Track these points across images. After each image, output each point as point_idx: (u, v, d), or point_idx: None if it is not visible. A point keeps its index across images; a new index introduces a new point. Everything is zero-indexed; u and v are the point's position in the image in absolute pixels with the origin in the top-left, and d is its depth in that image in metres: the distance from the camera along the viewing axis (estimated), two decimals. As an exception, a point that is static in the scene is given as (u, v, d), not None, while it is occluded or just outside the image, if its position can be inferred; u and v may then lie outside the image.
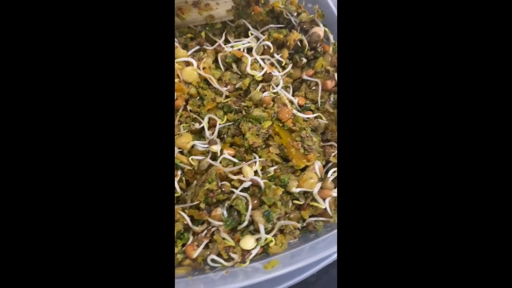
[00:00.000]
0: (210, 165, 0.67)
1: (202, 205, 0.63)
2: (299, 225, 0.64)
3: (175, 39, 0.79)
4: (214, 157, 0.68)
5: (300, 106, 0.75)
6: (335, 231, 0.64)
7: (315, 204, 0.63)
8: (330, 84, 0.74)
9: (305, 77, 0.78)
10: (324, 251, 0.61)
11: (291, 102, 0.75)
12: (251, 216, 0.62)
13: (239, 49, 0.77)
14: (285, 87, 0.77)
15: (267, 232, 0.61)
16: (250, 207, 0.61)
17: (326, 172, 0.69)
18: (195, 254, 0.61)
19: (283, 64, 0.78)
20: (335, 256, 0.64)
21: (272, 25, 0.80)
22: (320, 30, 0.79)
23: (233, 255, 0.60)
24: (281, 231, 0.64)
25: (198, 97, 0.74)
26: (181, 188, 0.67)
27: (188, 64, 0.75)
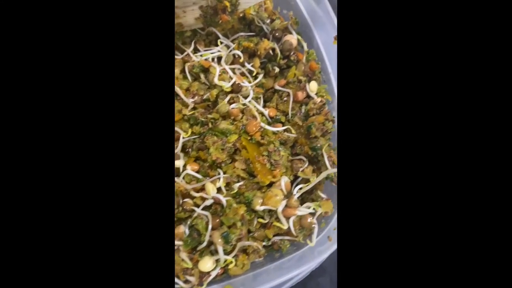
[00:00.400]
0: (173, 181, 0.64)
1: (161, 224, 0.60)
2: (261, 247, 0.61)
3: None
4: (177, 172, 0.66)
5: (271, 117, 0.73)
6: (302, 249, 0.62)
7: (278, 224, 0.61)
8: (301, 95, 0.71)
9: (277, 87, 0.75)
10: (290, 271, 0.59)
11: (261, 114, 0.72)
12: (210, 236, 0.59)
13: (208, 59, 0.74)
14: (256, 98, 0.74)
15: (228, 253, 0.59)
16: (210, 227, 0.59)
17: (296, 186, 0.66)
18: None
19: (254, 74, 0.76)
20: (300, 277, 0.61)
21: (242, 33, 0.77)
22: (293, 38, 0.76)
23: (190, 278, 0.57)
24: (244, 250, 0.61)
25: (165, 109, 0.72)
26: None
27: (154, 74, 0.72)
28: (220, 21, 0.73)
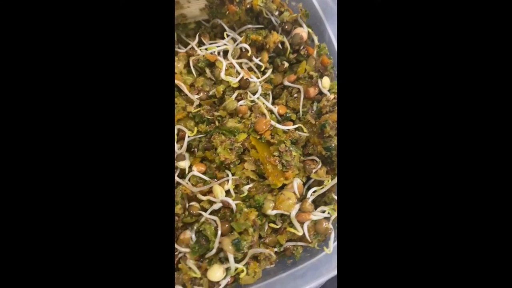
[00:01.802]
0: (178, 184, 0.60)
1: (166, 230, 0.56)
2: (273, 253, 0.57)
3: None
4: (182, 174, 0.62)
5: (280, 115, 0.68)
6: (316, 257, 0.58)
7: (292, 230, 0.57)
8: (313, 91, 0.67)
9: (286, 83, 0.71)
10: (306, 281, 0.55)
11: (270, 112, 0.68)
12: (220, 243, 0.55)
13: (214, 52, 0.69)
14: (264, 95, 0.70)
15: (238, 261, 0.55)
16: (219, 233, 0.55)
17: (308, 189, 0.62)
18: None
19: (262, 69, 0.71)
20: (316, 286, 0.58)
21: (250, 26, 0.72)
22: (303, 31, 0.71)
23: (198, 289, 0.54)
24: (255, 257, 0.57)
25: (168, 106, 0.67)
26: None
27: (156, 69, 0.68)
28: (227, 12, 0.69)
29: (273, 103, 0.70)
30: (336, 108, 0.65)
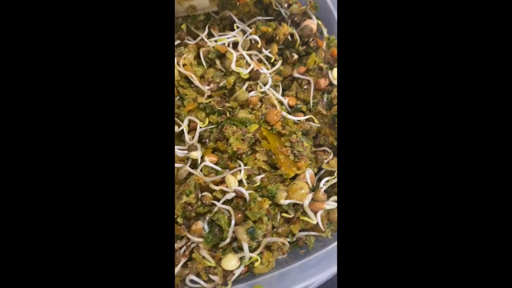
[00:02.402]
0: (190, 174, 0.60)
1: (180, 220, 0.56)
2: (287, 242, 0.57)
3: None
4: (194, 164, 0.62)
5: (290, 107, 0.69)
6: (329, 247, 0.58)
7: (306, 218, 0.57)
8: (324, 82, 0.67)
9: (296, 74, 0.71)
10: (316, 273, 0.55)
11: (281, 103, 0.68)
12: (234, 232, 0.55)
13: (224, 44, 0.69)
14: (274, 86, 0.70)
15: (252, 250, 0.55)
16: (233, 222, 0.55)
17: (319, 181, 0.62)
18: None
19: (272, 61, 0.71)
20: (326, 278, 0.58)
21: (260, 17, 0.72)
22: (312, 23, 0.71)
23: (213, 277, 0.53)
24: (268, 247, 0.57)
25: (178, 97, 0.67)
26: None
27: (166, 60, 0.67)
28: (238, 4, 0.69)
29: (282, 95, 0.70)
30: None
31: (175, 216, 0.56)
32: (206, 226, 0.58)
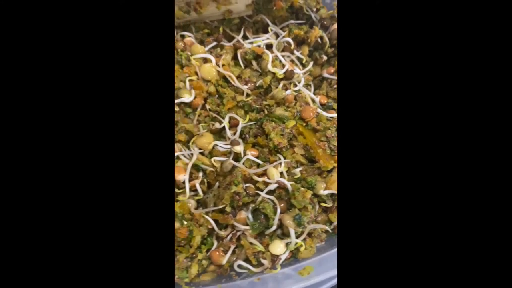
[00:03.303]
0: (234, 167, 0.64)
1: (228, 209, 0.60)
2: (329, 228, 0.62)
3: (192, 34, 0.76)
4: (237, 158, 0.66)
5: (322, 104, 0.73)
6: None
7: (346, 207, 0.61)
8: (354, 82, 0.72)
9: (325, 75, 0.76)
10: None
11: (313, 101, 0.72)
12: (279, 220, 0.59)
13: (259, 46, 0.74)
14: (306, 85, 0.75)
15: (297, 236, 0.59)
16: (278, 210, 0.59)
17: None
18: (224, 260, 0.58)
19: (303, 62, 0.76)
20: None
21: (292, 21, 0.77)
22: (341, 27, 0.76)
23: (263, 261, 0.57)
24: (309, 234, 0.61)
25: (217, 96, 0.71)
26: (202, 191, 0.64)
27: (206, 61, 0.72)
28: (274, 8, 0.73)
29: (314, 93, 0.75)
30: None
31: (223, 206, 0.60)
32: (250, 215, 0.62)
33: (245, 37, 0.77)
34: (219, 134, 0.70)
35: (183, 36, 0.76)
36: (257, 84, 0.72)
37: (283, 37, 0.75)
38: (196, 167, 0.64)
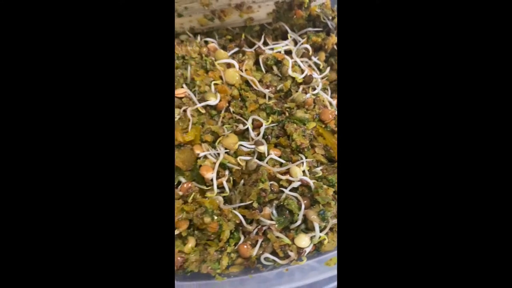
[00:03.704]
0: (258, 166, 0.68)
1: (255, 205, 0.64)
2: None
3: (215, 40, 0.80)
4: (260, 157, 0.70)
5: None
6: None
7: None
8: (369, 86, 0.76)
9: (341, 79, 0.80)
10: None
11: (330, 104, 0.77)
12: (304, 215, 0.63)
13: (279, 52, 0.78)
14: (323, 89, 0.79)
15: (320, 230, 0.63)
16: (303, 206, 0.63)
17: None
18: (253, 253, 0.62)
19: (320, 67, 0.80)
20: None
21: (310, 29, 0.81)
22: (356, 34, 0.81)
23: (290, 253, 0.61)
24: (331, 229, 0.65)
25: (240, 99, 0.75)
26: (228, 188, 0.68)
27: (229, 65, 0.76)
28: (294, 16, 0.77)
29: (331, 97, 0.79)
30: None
31: (250, 202, 0.64)
32: (274, 211, 0.65)
33: (265, 43, 0.81)
34: (242, 135, 0.74)
35: (206, 42, 0.80)
36: (278, 88, 0.76)
37: (302, 43, 0.79)
38: (222, 166, 0.68)
